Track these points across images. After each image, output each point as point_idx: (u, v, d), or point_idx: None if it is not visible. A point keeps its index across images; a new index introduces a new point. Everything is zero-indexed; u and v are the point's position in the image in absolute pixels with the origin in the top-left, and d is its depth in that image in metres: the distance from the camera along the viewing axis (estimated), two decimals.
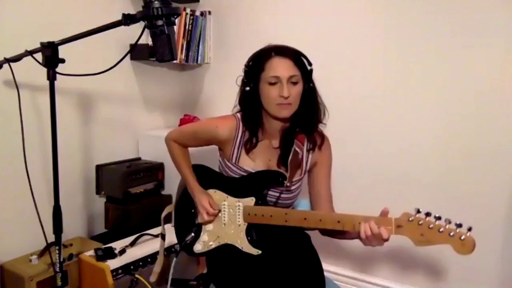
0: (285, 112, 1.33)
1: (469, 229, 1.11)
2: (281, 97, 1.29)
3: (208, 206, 1.40)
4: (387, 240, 1.17)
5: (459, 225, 1.11)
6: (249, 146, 1.42)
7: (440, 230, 1.12)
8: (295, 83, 1.31)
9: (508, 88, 1.79)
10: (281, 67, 1.29)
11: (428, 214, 1.15)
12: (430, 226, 1.14)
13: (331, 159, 1.47)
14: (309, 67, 1.34)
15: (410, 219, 1.16)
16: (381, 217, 1.19)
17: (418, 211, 1.15)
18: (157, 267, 1.70)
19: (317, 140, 1.43)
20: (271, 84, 1.30)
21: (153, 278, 1.70)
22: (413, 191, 2.04)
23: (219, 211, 1.43)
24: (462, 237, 1.10)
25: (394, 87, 2.05)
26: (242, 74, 1.39)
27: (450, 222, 1.12)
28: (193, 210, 1.48)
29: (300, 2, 2.27)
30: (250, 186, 1.40)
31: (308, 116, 1.38)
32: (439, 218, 1.13)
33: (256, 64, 1.33)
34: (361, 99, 2.14)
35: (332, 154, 1.47)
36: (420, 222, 1.15)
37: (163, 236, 1.68)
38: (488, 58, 1.81)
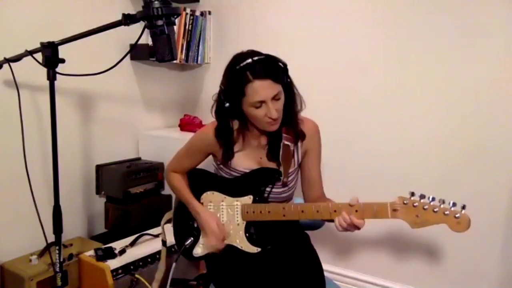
0: (274, 127, 1.34)
1: (463, 207, 1.13)
2: (269, 117, 1.29)
3: (217, 230, 1.39)
4: (360, 226, 1.24)
5: (454, 204, 1.13)
6: (230, 155, 1.43)
7: (435, 210, 1.15)
8: (278, 99, 1.31)
9: (508, 88, 1.79)
10: (263, 91, 1.26)
11: (422, 196, 1.17)
12: (425, 207, 1.17)
13: (320, 144, 1.48)
14: (283, 67, 1.32)
15: (405, 202, 1.19)
16: (377, 202, 1.22)
17: (413, 194, 1.18)
18: (159, 274, 1.67)
19: (303, 128, 1.43)
20: (257, 107, 1.29)
21: (155, 285, 1.67)
22: (413, 191, 2.03)
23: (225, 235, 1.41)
24: (457, 215, 1.13)
25: (394, 87, 2.05)
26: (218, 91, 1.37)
27: (444, 202, 1.14)
28: (191, 216, 1.48)
29: (301, 2, 2.27)
30: (247, 185, 1.41)
31: (287, 109, 1.37)
32: (433, 199, 1.16)
33: (235, 89, 1.29)
34: (361, 98, 2.14)
35: (322, 140, 1.48)
36: (415, 204, 1.18)
37: (164, 243, 1.68)
38: (488, 58, 1.81)
